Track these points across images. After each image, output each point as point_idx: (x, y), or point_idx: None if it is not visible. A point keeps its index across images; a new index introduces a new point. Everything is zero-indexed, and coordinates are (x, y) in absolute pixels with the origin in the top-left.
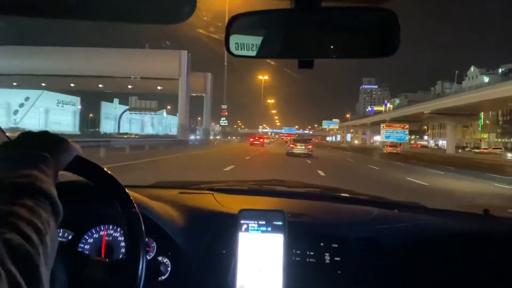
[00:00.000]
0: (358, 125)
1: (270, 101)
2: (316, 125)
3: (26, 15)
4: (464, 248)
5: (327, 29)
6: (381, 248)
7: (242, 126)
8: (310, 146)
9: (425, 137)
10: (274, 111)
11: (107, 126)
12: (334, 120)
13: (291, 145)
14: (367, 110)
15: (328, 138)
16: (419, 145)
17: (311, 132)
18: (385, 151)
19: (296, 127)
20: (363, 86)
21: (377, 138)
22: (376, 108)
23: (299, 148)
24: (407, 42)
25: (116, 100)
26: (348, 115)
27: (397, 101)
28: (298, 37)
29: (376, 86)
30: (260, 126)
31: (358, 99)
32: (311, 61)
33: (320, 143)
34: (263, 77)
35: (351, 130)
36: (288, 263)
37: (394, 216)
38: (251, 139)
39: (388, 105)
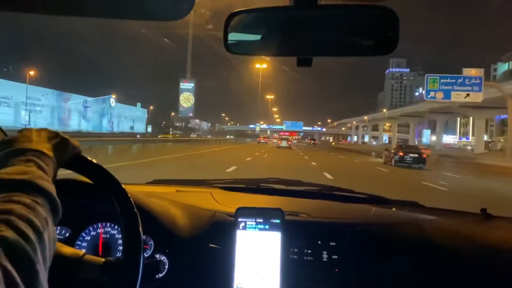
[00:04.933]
0: (380, 118)
1: (262, 68)
2: (329, 120)
3: (24, 11)
4: (462, 247)
5: (325, 27)
6: (378, 247)
7: (232, 122)
8: (290, 143)
9: None
10: (270, 96)
11: None
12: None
13: (278, 142)
14: (416, 94)
15: (350, 139)
16: None
17: (323, 130)
18: None
19: (302, 123)
20: (391, 69)
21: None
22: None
23: (284, 144)
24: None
25: None
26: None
27: (503, 66)
28: (296, 35)
29: (408, 70)
30: (221, 116)
31: (383, 87)
32: (310, 59)
33: (331, 150)
34: None
35: (363, 127)
36: (285, 261)
37: (392, 215)
38: (259, 139)
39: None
